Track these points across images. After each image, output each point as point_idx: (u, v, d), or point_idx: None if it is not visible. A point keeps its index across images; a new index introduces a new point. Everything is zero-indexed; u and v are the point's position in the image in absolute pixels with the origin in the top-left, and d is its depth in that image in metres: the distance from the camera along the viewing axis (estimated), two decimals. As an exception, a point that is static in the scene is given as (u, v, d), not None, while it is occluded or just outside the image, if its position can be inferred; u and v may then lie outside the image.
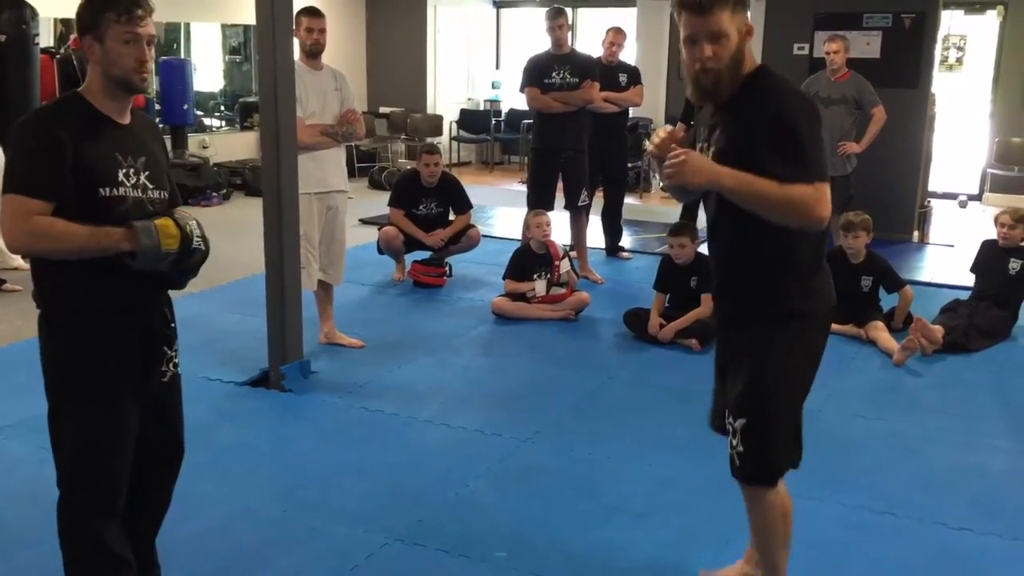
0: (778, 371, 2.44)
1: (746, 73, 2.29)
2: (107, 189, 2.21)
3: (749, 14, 2.29)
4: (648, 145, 2.40)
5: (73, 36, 8.16)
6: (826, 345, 2.54)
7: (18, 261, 6.44)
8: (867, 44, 7.97)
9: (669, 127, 2.42)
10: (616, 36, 6.95)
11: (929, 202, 8.55)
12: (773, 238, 2.30)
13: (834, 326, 5.33)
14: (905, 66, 7.96)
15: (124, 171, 2.25)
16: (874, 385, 4.79)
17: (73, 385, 2.29)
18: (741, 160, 2.22)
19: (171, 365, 2.45)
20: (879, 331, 5.27)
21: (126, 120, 2.32)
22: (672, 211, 8.08)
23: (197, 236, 2.28)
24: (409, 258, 6.56)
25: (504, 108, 12.34)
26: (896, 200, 7.97)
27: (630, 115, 7.70)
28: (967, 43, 11.04)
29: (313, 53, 4.76)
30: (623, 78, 6.92)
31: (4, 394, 4.24)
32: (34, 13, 6.51)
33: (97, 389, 2.28)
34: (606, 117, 6.75)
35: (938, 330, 5.09)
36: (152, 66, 2.40)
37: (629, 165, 8.41)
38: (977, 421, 4.29)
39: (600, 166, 6.84)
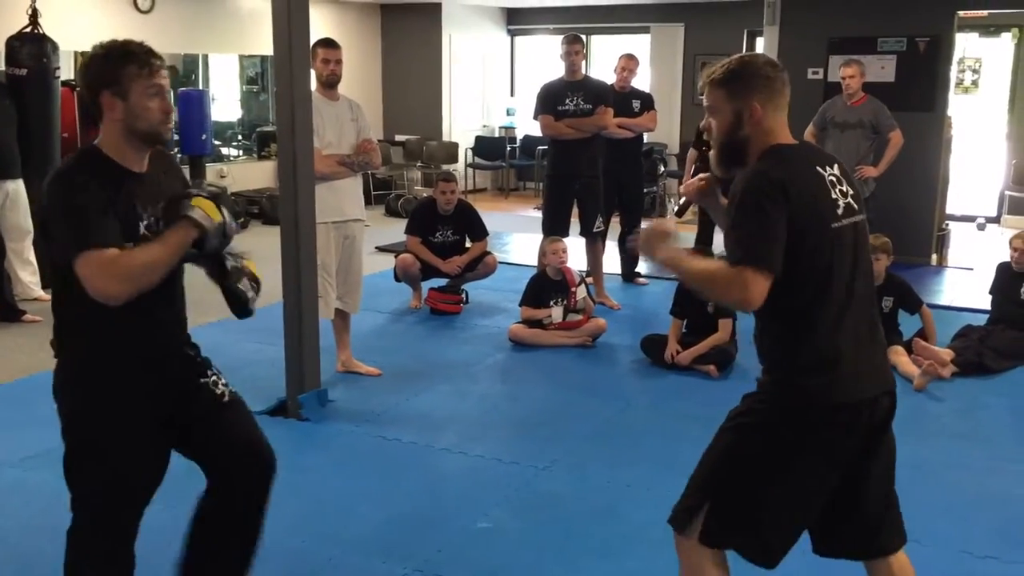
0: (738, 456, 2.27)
1: (755, 157, 2.23)
2: (132, 244, 2.18)
3: (757, 99, 2.19)
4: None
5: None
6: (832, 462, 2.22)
7: (38, 292, 6.49)
8: (882, 68, 7.97)
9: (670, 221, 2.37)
10: (628, 62, 6.98)
11: (947, 225, 8.51)
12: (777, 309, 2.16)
13: (853, 351, 5.38)
14: (920, 89, 7.95)
15: (145, 223, 2.24)
16: (895, 410, 4.74)
17: (86, 436, 2.27)
18: None
19: (220, 386, 2.43)
20: (899, 355, 5.22)
21: (143, 168, 2.29)
22: (688, 236, 8.08)
23: (221, 199, 2.28)
24: (426, 285, 6.57)
25: (519, 135, 12.40)
26: (914, 223, 7.93)
27: (645, 140, 7.72)
28: (982, 66, 11.04)
29: (330, 84, 4.80)
30: (636, 104, 6.95)
31: (25, 425, 4.26)
32: (55, 47, 6.60)
33: (109, 442, 2.26)
34: (621, 143, 6.77)
35: (946, 353, 5.06)
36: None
37: (645, 190, 8.43)
38: (1000, 446, 4.24)
39: (616, 192, 6.86)
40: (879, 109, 6.80)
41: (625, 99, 6.88)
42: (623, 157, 6.86)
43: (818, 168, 2.19)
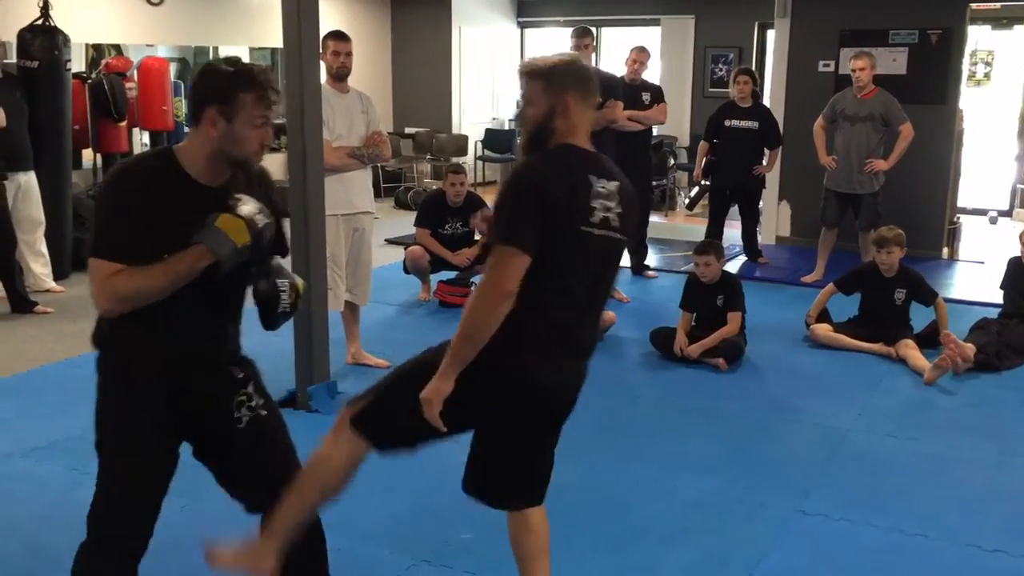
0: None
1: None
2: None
3: (571, 96, 2.32)
4: None
5: (105, 61, 8.29)
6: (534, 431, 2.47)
7: (50, 284, 6.53)
8: (893, 60, 7.93)
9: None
10: (639, 55, 6.96)
11: (958, 218, 8.47)
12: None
13: (863, 345, 5.38)
14: (932, 82, 7.91)
15: None
16: (905, 404, 4.74)
17: (105, 434, 2.29)
18: None
19: (244, 410, 2.37)
20: (910, 349, 5.22)
21: (220, 181, 2.23)
22: (698, 229, 8.06)
23: (256, 215, 2.19)
24: (435, 278, 6.58)
25: (529, 128, 12.37)
26: (925, 217, 7.90)
27: (654, 133, 7.70)
28: (994, 58, 10.98)
29: (340, 76, 4.80)
30: (646, 96, 6.93)
31: (37, 415, 4.29)
32: (66, 39, 6.62)
33: (125, 442, 2.27)
34: (630, 136, 6.75)
35: (970, 348, 5.03)
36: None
37: (654, 183, 8.42)
38: (1010, 441, 4.23)
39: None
40: (890, 102, 6.77)
41: (635, 91, 6.86)
42: (632, 150, 6.83)
43: (591, 176, 2.30)
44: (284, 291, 2.34)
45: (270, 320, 2.37)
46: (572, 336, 2.39)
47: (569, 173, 2.28)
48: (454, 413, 2.30)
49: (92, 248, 2.15)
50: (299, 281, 2.41)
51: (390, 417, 2.42)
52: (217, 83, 2.17)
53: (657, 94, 7.01)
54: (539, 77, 2.36)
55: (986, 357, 5.08)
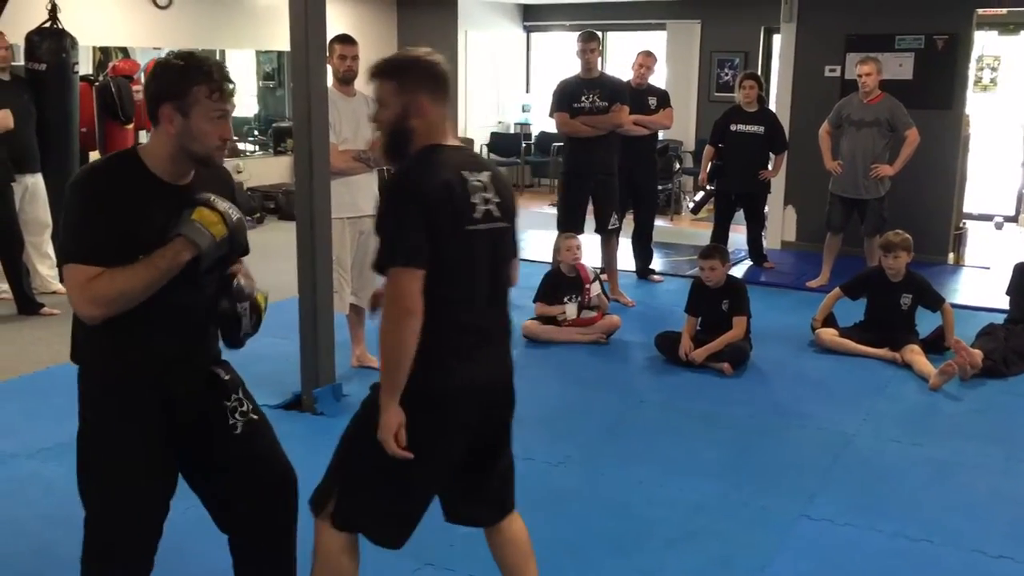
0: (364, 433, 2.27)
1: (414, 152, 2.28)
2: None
3: (424, 96, 2.28)
4: None
5: (112, 64, 8.31)
6: (449, 443, 2.33)
7: (56, 285, 6.54)
8: (900, 66, 7.93)
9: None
10: (646, 59, 6.97)
11: (964, 224, 8.46)
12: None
13: (869, 350, 5.38)
14: (938, 87, 7.90)
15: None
16: (910, 410, 4.73)
17: (95, 451, 2.22)
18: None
19: (237, 415, 2.34)
20: (915, 355, 5.21)
21: (185, 181, 2.20)
22: (703, 233, 8.06)
23: (230, 209, 2.19)
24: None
25: (534, 131, 12.39)
26: (931, 222, 7.88)
27: (660, 137, 7.70)
28: (1001, 64, 10.96)
29: (346, 80, 4.81)
30: (653, 101, 6.94)
31: (42, 416, 4.30)
32: (74, 42, 6.64)
33: (118, 459, 2.20)
34: (637, 140, 6.77)
35: (977, 354, 5.03)
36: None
37: (659, 187, 8.41)
38: (1015, 446, 4.22)
39: (631, 189, 6.85)
40: (896, 107, 6.76)
41: (641, 96, 6.87)
42: (638, 154, 6.85)
43: (463, 172, 2.25)
44: (244, 315, 2.31)
45: (232, 340, 2.35)
46: (485, 331, 2.33)
47: (443, 174, 2.21)
48: (422, 457, 2.22)
49: (66, 253, 2.10)
50: (261, 295, 2.38)
51: (368, 495, 2.31)
52: (170, 79, 2.12)
53: (664, 99, 7.02)
54: (390, 77, 2.28)
55: (993, 363, 5.07)
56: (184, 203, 2.16)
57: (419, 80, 2.29)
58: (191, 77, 2.10)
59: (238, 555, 2.49)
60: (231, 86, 2.16)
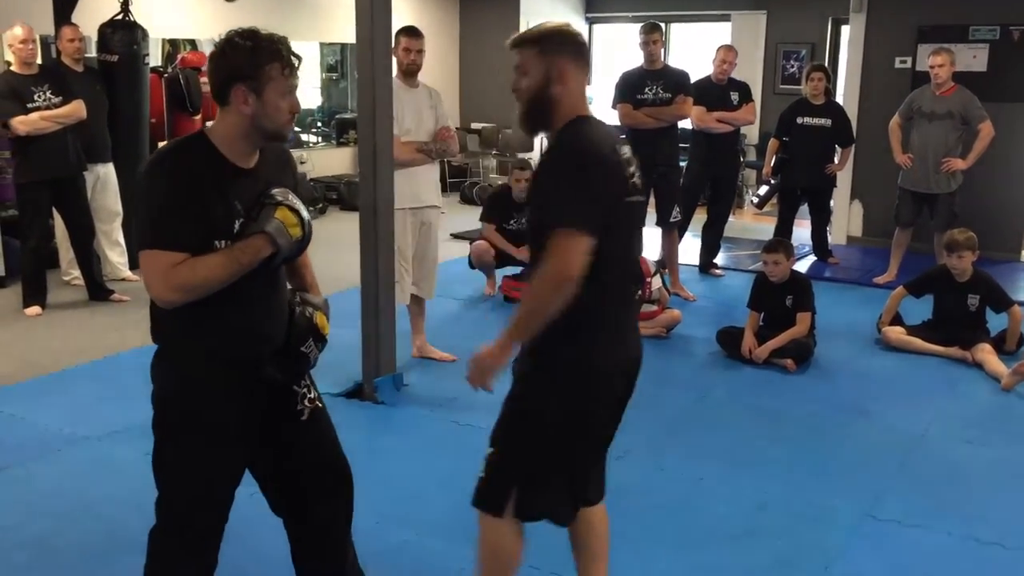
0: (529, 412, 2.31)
1: (562, 121, 2.27)
2: (222, 242, 2.12)
3: (566, 64, 2.26)
4: None
5: (181, 55, 8.47)
6: (608, 416, 2.39)
7: (126, 272, 6.69)
8: (973, 57, 7.72)
9: None
10: (727, 54, 6.87)
11: (1039, 220, 8.22)
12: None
13: (937, 349, 5.25)
14: (1014, 80, 7.69)
15: (241, 221, 2.15)
16: (981, 410, 4.61)
17: (173, 429, 2.25)
18: (530, 198, 2.32)
19: (306, 402, 2.39)
20: (986, 354, 5.07)
21: (251, 163, 2.21)
22: (766, 228, 7.94)
23: (303, 210, 2.22)
24: (500, 273, 6.59)
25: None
26: (1004, 218, 7.68)
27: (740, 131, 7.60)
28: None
29: (410, 72, 4.83)
30: (735, 96, 6.87)
31: (113, 400, 4.41)
32: (144, 34, 6.77)
33: (196, 436, 2.24)
34: (720, 137, 6.77)
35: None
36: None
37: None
38: (1093, 450, 4.09)
39: (711, 182, 6.85)
40: (969, 100, 6.58)
41: (723, 91, 6.81)
42: (722, 151, 6.85)
43: (615, 145, 2.28)
44: (311, 351, 2.36)
45: (301, 375, 2.41)
46: (629, 304, 2.38)
47: (607, 145, 2.24)
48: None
49: (146, 240, 2.10)
50: (321, 316, 2.39)
51: (545, 482, 2.36)
52: (239, 59, 2.11)
53: (746, 93, 6.94)
54: (532, 44, 2.29)
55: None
56: (255, 189, 2.19)
57: (561, 45, 2.28)
58: (262, 56, 2.10)
59: (295, 541, 2.53)
60: (298, 62, 2.18)
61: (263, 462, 2.43)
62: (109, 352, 5.19)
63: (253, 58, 2.10)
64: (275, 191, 2.20)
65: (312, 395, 2.43)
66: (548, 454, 2.32)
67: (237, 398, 2.26)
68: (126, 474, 3.64)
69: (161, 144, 8.12)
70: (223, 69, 2.13)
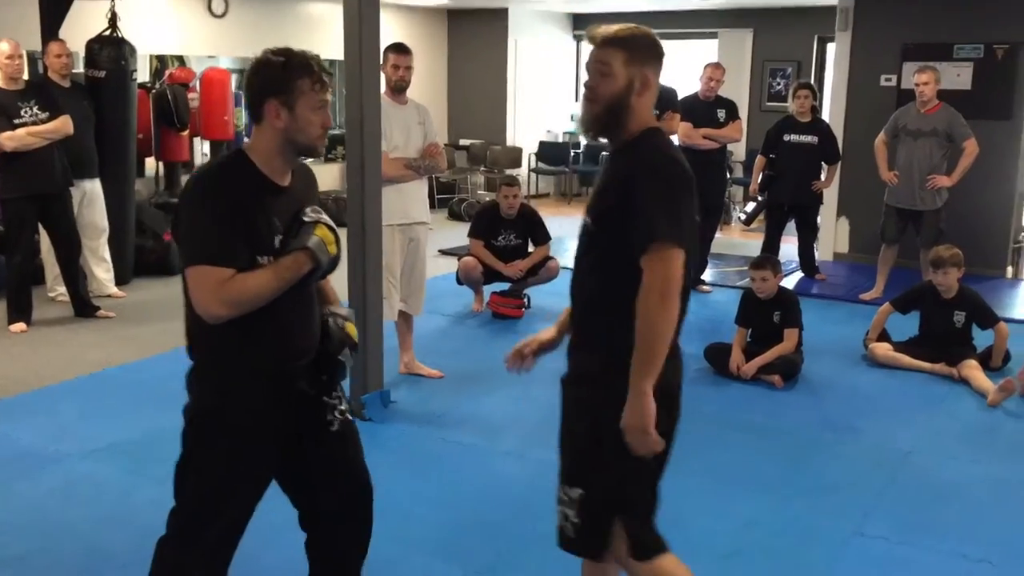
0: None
1: (636, 130, 2.17)
2: (265, 257, 2.17)
3: (650, 74, 2.17)
4: None
5: (168, 72, 8.46)
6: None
7: (112, 288, 6.66)
8: (958, 75, 7.78)
9: None
10: (714, 71, 6.91)
11: (1023, 237, 8.27)
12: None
13: (924, 365, 5.26)
14: (998, 98, 7.75)
15: (280, 237, 2.20)
16: (968, 426, 4.62)
17: (209, 440, 2.26)
18: (598, 208, 2.18)
19: (336, 413, 2.41)
20: (972, 370, 5.08)
21: (287, 181, 2.27)
22: (753, 244, 7.97)
23: (335, 228, 2.29)
24: (488, 289, 6.59)
25: (583, 140, 12.37)
26: (989, 235, 7.73)
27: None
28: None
29: (399, 88, 4.83)
30: (721, 114, 6.90)
31: (96, 417, 4.37)
32: (132, 50, 6.77)
33: (232, 448, 2.25)
34: (705, 154, 6.77)
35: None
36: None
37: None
38: (1079, 466, 4.10)
39: (698, 199, 6.86)
40: (953, 117, 6.64)
41: (710, 108, 6.84)
42: (707, 168, 6.86)
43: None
44: (348, 360, 2.40)
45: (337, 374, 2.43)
46: (682, 324, 2.26)
47: (684, 160, 2.16)
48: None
49: (193, 256, 2.12)
50: (351, 326, 2.43)
51: (643, 511, 2.28)
52: (272, 75, 2.17)
53: (732, 111, 6.97)
54: (620, 46, 2.14)
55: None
56: (291, 207, 2.24)
57: (649, 53, 2.18)
58: (293, 72, 2.16)
59: (312, 555, 2.53)
60: (329, 77, 2.22)
61: (289, 474, 2.45)
62: (94, 369, 5.16)
63: (285, 73, 2.16)
64: (308, 209, 2.27)
65: (344, 407, 2.45)
66: (630, 482, 2.23)
67: (275, 409, 2.28)
68: (109, 493, 3.61)
69: (147, 160, 8.13)
70: (257, 86, 2.20)
